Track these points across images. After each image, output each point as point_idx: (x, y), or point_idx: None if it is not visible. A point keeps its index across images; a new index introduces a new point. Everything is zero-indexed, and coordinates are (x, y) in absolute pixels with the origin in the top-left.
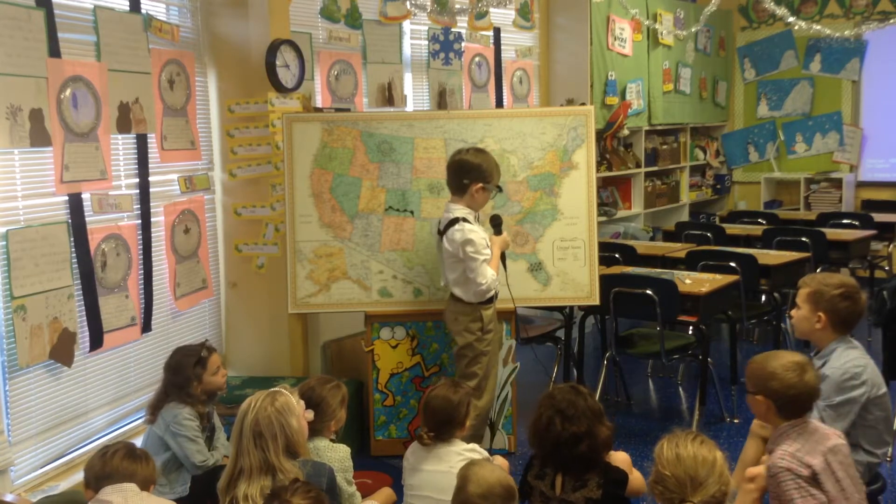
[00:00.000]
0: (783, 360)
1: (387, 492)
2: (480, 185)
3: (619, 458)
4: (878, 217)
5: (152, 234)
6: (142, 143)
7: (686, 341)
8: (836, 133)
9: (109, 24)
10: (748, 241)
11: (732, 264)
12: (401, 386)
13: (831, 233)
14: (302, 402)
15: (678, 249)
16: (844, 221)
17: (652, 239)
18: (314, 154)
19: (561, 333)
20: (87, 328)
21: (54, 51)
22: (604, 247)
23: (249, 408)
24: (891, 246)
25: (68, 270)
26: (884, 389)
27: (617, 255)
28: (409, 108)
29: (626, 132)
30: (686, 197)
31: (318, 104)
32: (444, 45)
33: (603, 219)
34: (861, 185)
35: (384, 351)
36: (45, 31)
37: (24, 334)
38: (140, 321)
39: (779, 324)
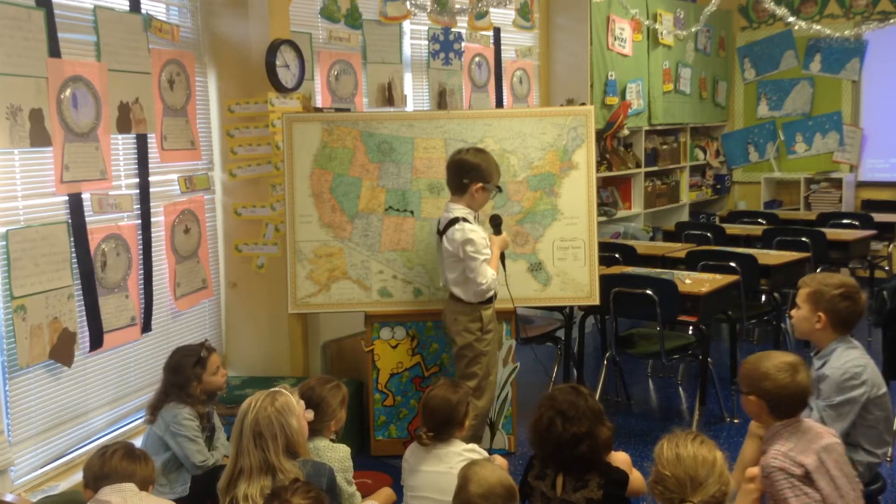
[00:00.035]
0: (776, 361)
1: (387, 492)
2: (480, 184)
3: (620, 458)
4: (878, 217)
5: (152, 234)
6: (142, 143)
7: (686, 341)
8: (836, 133)
9: (109, 24)
10: (748, 241)
11: (732, 264)
12: (401, 386)
13: (831, 233)
14: (302, 402)
15: (678, 249)
16: (844, 221)
17: (652, 239)
18: (314, 154)
19: (561, 333)
20: (87, 328)
21: (54, 51)
22: (604, 247)
23: (249, 408)
24: (891, 246)
25: (68, 270)
26: (884, 389)
27: (617, 255)
28: (409, 108)
29: (626, 132)
30: (686, 197)
31: (318, 104)
32: (444, 45)
33: (603, 219)
34: (861, 185)
35: (384, 351)
36: (45, 31)
37: (24, 334)
38: (140, 321)
39: (779, 324)
